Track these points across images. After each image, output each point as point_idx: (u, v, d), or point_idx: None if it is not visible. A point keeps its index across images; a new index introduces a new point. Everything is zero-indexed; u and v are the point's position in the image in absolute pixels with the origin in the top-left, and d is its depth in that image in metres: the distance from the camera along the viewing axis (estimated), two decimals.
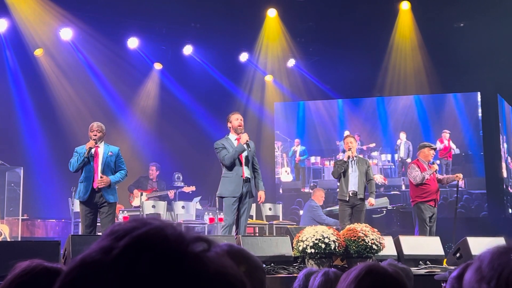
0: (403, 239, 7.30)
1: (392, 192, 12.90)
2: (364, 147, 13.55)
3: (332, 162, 11.58)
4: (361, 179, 8.38)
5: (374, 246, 6.38)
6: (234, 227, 7.24)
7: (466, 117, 13.29)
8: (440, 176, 8.96)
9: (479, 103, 13.09)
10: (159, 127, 13.07)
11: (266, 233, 9.98)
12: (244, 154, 7.25)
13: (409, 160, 12.36)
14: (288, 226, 7.92)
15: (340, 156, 12.19)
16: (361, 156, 9.28)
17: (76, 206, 9.23)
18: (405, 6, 12.56)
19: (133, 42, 12.14)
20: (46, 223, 10.66)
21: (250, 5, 12.13)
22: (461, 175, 8.95)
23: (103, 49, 11.73)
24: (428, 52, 12.86)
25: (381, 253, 6.44)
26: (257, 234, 9.91)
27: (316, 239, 6.22)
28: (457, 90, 13.31)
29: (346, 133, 11.27)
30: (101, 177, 6.96)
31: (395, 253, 6.95)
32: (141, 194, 10.56)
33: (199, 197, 11.05)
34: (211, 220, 10.25)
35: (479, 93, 13.09)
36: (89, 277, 0.72)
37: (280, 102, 14.18)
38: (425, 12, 12.34)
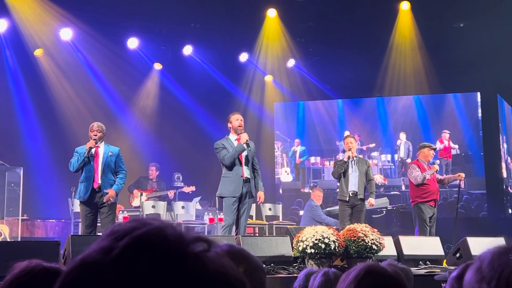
0: (403, 239, 7.29)
1: (392, 192, 12.90)
2: (364, 147, 13.55)
3: (332, 162, 11.58)
4: (361, 179, 8.38)
5: (374, 246, 6.38)
6: (234, 227, 7.24)
7: (466, 117, 13.29)
8: (441, 177, 8.95)
9: (479, 103, 13.10)
10: (159, 127, 13.07)
11: (266, 233, 9.98)
12: (244, 154, 7.25)
13: (409, 160, 12.36)
14: (288, 226, 7.92)
15: (340, 156, 12.20)
16: (361, 156, 9.28)
17: (76, 206, 9.23)
18: (405, 6, 12.57)
19: (133, 42, 12.14)
20: (46, 223, 10.66)
21: (250, 5, 12.13)
22: (463, 175, 8.93)
23: (103, 49, 11.73)
24: (428, 52, 12.86)
25: (381, 253, 6.44)
26: (257, 234, 9.91)
27: (316, 239, 6.22)
28: (457, 90, 13.31)
29: (346, 133, 11.27)
30: (106, 193, 6.97)
31: (395, 253, 6.95)
32: (141, 194, 10.56)
33: (199, 197, 11.05)
34: (211, 220, 10.24)
35: (479, 93, 13.09)
36: (89, 277, 0.72)
37: (280, 102, 14.18)
38: (425, 12, 12.34)
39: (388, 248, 6.77)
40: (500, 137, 13.09)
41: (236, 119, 7.36)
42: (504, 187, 12.97)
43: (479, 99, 13.10)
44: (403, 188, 12.92)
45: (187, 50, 12.77)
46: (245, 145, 7.22)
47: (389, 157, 13.70)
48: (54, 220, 10.78)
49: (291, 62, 13.70)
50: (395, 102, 13.79)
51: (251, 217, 9.61)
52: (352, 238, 6.41)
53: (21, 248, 5.94)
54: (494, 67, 12.35)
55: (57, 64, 11.67)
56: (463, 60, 12.09)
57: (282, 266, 6.29)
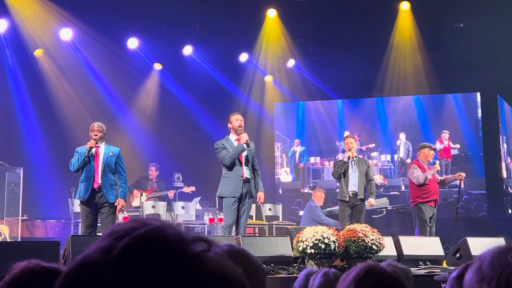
0: (403, 239, 7.29)
1: (392, 193, 12.89)
2: (364, 148, 13.55)
3: (331, 163, 11.59)
4: (361, 179, 8.38)
5: (374, 247, 6.38)
6: (234, 228, 7.24)
7: (466, 117, 13.29)
8: (441, 177, 8.93)
9: (479, 104, 13.09)
10: (159, 127, 13.07)
11: (266, 234, 9.98)
12: (244, 154, 7.25)
13: (408, 161, 12.36)
14: (288, 227, 7.91)
15: (340, 156, 12.20)
16: (361, 156, 9.28)
17: (76, 207, 9.23)
18: (405, 6, 12.57)
19: (133, 43, 12.15)
20: (46, 224, 10.65)
21: (250, 5, 12.14)
22: (463, 174, 8.91)
23: (103, 50, 11.73)
24: (427, 52, 12.87)
25: (381, 254, 6.44)
26: (257, 235, 9.91)
27: (316, 240, 6.22)
28: (456, 91, 13.31)
29: (346, 133, 11.26)
30: (118, 203, 7.04)
31: (395, 254, 6.95)
32: (141, 195, 10.56)
33: (199, 198, 11.05)
34: (211, 220, 10.24)
35: (478, 94, 13.09)
36: (89, 277, 0.72)
37: (279, 103, 14.18)
38: (425, 12, 12.34)
39: (388, 248, 6.77)
40: (500, 137, 13.09)
41: (236, 119, 7.37)
42: (504, 187, 12.96)
43: (479, 99, 13.10)
44: (403, 188, 12.92)
45: (187, 50, 12.77)
46: (245, 145, 7.22)
47: (388, 157, 13.70)
48: (54, 220, 10.77)
49: (291, 62, 13.71)
50: (395, 102, 13.79)
51: (251, 217, 9.62)
52: (352, 238, 6.41)
53: (21, 248, 5.93)
54: (494, 67, 12.34)
55: (57, 64, 11.67)
56: (463, 60, 12.09)
57: (282, 266, 6.28)
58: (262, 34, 12.96)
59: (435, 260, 7.20)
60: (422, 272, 6.48)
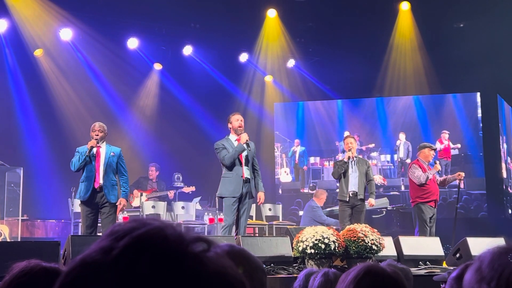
0: (403, 239, 7.29)
1: (392, 193, 12.89)
2: (364, 148, 13.55)
3: (331, 163, 11.58)
4: (361, 179, 8.38)
5: (374, 247, 6.38)
6: (234, 228, 7.24)
7: (466, 117, 13.29)
8: (441, 178, 8.93)
9: (479, 104, 13.09)
10: (159, 127, 13.07)
11: (266, 234, 9.98)
12: (244, 154, 7.25)
13: (408, 161, 12.36)
14: (288, 227, 7.91)
15: (340, 156, 12.20)
16: (361, 156, 9.28)
17: (76, 207, 9.24)
18: (405, 7, 12.57)
19: (133, 43, 12.15)
20: (46, 224, 10.65)
21: (250, 6, 12.14)
22: (463, 174, 8.91)
23: (103, 50, 11.74)
24: (428, 52, 12.87)
25: (381, 254, 6.44)
26: (257, 235, 9.91)
27: (316, 240, 6.22)
28: (456, 91, 13.31)
29: (346, 133, 11.27)
30: (120, 203, 7.05)
31: (395, 254, 6.95)
32: (141, 195, 10.56)
33: (199, 198, 11.05)
34: (211, 220, 10.24)
35: (478, 94, 13.09)
36: (89, 277, 0.72)
37: (279, 103, 14.18)
38: (425, 12, 12.34)
39: (388, 248, 6.77)
40: (500, 138, 13.09)
41: (236, 120, 7.37)
42: (504, 187, 12.96)
43: (479, 99, 13.10)
44: (403, 188, 12.92)
45: (187, 50, 12.77)
46: (245, 145, 7.22)
47: (388, 157, 13.70)
48: (54, 220, 10.78)
49: (291, 62, 13.71)
50: (395, 102, 13.79)
51: (251, 217, 9.62)
52: (352, 239, 6.41)
53: (21, 249, 5.93)
54: (494, 67, 12.35)
55: (57, 64, 11.67)
56: (463, 60, 12.09)
57: (282, 266, 6.28)
58: (262, 34, 12.96)
59: (435, 260, 7.20)
60: (422, 272, 6.48)
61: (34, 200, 11.10)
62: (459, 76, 12.71)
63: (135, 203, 10.54)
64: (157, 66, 12.97)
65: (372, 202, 8.44)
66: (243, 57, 13.32)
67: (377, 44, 12.92)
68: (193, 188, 10.85)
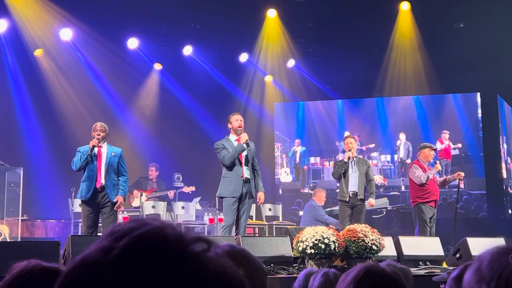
0: (403, 239, 7.29)
1: (392, 193, 12.89)
2: (364, 148, 13.55)
3: (331, 163, 11.58)
4: (361, 179, 8.38)
5: (374, 247, 6.38)
6: (234, 228, 7.24)
7: (466, 117, 13.29)
8: (441, 178, 8.93)
9: (479, 104, 13.09)
10: (159, 127, 13.07)
11: (266, 234, 9.98)
12: (244, 154, 7.25)
13: (408, 161, 12.36)
14: (288, 227, 7.91)
15: (340, 156, 12.20)
16: (361, 156, 9.28)
17: (76, 207, 9.24)
18: (405, 7, 12.57)
19: (133, 43, 12.15)
20: (46, 224, 10.66)
21: (250, 6, 12.14)
22: (462, 174, 8.91)
23: (103, 50, 11.74)
24: (428, 52, 12.86)
25: (381, 254, 6.44)
26: (257, 235, 9.91)
27: (316, 240, 6.22)
28: (456, 91, 13.31)
29: (346, 133, 11.27)
30: (116, 201, 7.02)
31: (395, 254, 6.95)
32: (141, 195, 10.56)
33: (199, 198, 11.05)
34: (211, 220, 10.24)
35: (478, 94, 13.09)
36: (89, 277, 0.72)
37: (280, 103, 14.18)
38: (425, 12, 12.34)
39: (388, 248, 6.77)
40: (500, 138, 13.09)
41: (236, 120, 7.37)
42: (504, 187, 12.96)
43: (479, 100, 13.10)
44: (403, 188, 12.92)
45: (187, 50, 12.77)
46: (245, 145, 7.22)
47: (388, 157, 13.70)
48: (54, 221, 10.78)
49: (291, 63, 13.71)
50: (395, 102, 13.79)
51: (251, 217, 9.62)
52: (352, 239, 6.41)
53: (21, 248, 5.93)
54: (494, 67, 12.35)
55: (57, 64, 11.67)
56: (463, 60, 12.09)
57: (282, 266, 6.28)
58: (262, 34, 12.96)
59: (435, 261, 7.20)
60: (422, 272, 6.48)
61: (34, 200, 11.10)
62: (459, 76, 12.71)
63: (135, 203, 10.54)
64: (157, 66, 12.97)
65: (372, 202, 8.44)
66: (243, 57, 13.32)
67: (377, 44, 12.92)
68: (193, 188, 10.85)
